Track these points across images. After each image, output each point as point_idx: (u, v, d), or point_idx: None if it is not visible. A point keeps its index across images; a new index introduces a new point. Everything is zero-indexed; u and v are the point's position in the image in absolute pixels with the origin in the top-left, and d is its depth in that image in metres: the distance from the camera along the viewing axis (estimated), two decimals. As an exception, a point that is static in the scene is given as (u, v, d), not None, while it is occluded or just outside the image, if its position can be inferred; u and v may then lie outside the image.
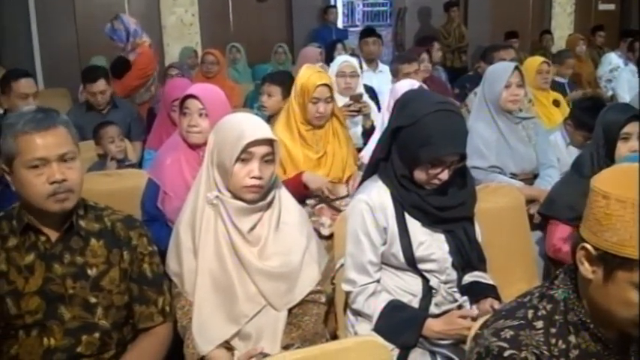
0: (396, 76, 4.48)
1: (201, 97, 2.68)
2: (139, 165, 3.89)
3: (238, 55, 7.50)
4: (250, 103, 5.36)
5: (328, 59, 5.31)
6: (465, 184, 2.23)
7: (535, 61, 4.79)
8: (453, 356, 2.10)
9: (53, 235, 1.89)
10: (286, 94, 3.71)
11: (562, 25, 10.55)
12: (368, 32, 6.10)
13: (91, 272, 1.90)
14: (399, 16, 9.72)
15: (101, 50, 7.54)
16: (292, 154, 3.05)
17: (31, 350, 1.82)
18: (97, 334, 1.88)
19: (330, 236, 2.77)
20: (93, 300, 1.89)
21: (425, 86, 3.75)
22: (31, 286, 1.84)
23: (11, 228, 1.88)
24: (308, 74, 3.14)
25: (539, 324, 1.40)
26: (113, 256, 1.94)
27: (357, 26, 9.44)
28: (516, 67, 3.42)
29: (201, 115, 2.67)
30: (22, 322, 1.82)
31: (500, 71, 3.44)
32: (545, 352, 1.36)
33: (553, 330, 1.39)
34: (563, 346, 1.38)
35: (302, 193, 2.96)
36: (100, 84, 4.44)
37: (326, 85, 3.09)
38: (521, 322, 1.41)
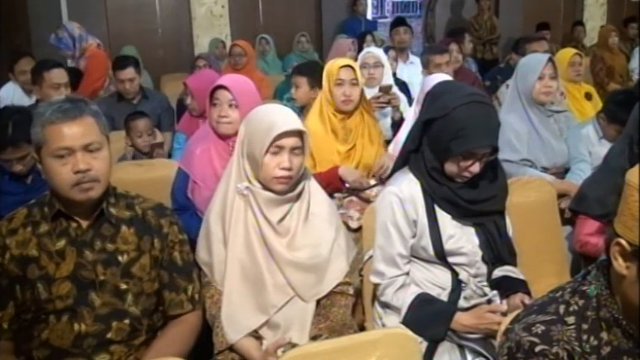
0: (427, 67, 4.45)
1: (231, 88, 2.68)
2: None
3: (267, 46, 7.52)
4: (280, 95, 5.38)
5: (358, 51, 5.30)
6: (496, 178, 2.21)
7: (567, 53, 4.70)
8: (481, 350, 2.08)
9: (84, 222, 1.91)
10: (314, 83, 3.73)
11: (594, 16, 10.38)
12: (399, 22, 6.09)
13: (122, 259, 1.92)
14: (429, 7, 9.66)
15: (132, 41, 7.63)
16: (323, 146, 3.06)
17: (61, 335, 1.85)
18: (127, 321, 1.90)
19: (359, 229, 2.77)
20: (123, 286, 1.91)
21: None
22: (62, 271, 1.86)
23: (43, 214, 1.91)
24: (332, 60, 3.24)
25: (571, 320, 1.38)
26: (144, 243, 1.96)
27: (386, 17, 9.43)
28: (550, 59, 3.38)
29: (231, 105, 2.68)
30: (53, 307, 1.85)
31: (533, 63, 3.41)
32: (577, 349, 1.34)
33: (585, 326, 1.37)
34: (595, 343, 1.36)
35: (336, 186, 2.98)
36: (129, 71, 4.51)
37: (349, 66, 3.13)
38: (553, 317, 1.39)
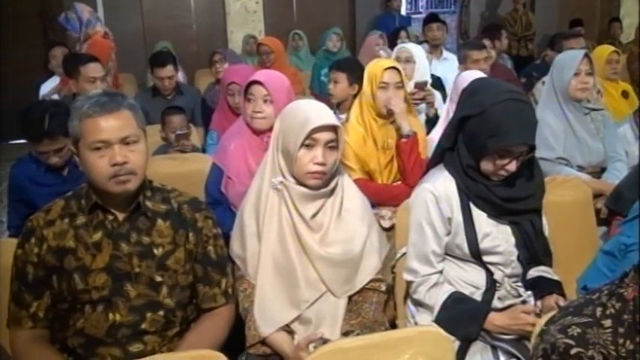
0: (464, 62, 4.39)
1: (266, 84, 2.70)
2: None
3: (301, 42, 7.51)
4: (318, 71, 5.50)
5: (392, 46, 5.29)
6: (533, 176, 2.17)
7: (605, 50, 4.63)
8: (514, 352, 2.06)
9: (120, 215, 1.93)
10: (353, 80, 3.71)
11: (631, 12, 10.11)
12: (432, 18, 6.03)
13: (157, 252, 1.94)
14: (464, 3, 9.59)
15: (166, 36, 7.69)
16: (363, 153, 2.98)
17: (96, 324, 1.88)
18: (161, 312, 1.92)
19: (391, 228, 2.75)
20: (158, 279, 1.93)
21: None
22: (99, 262, 1.89)
23: (80, 207, 1.94)
24: (375, 61, 3.13)
25: (608, 323, 1.36)
26: (179, 236, 1.98)
27: (420, 13, 9.35)
28: (586, 55, 3.34)
29: (265, 101, 2.69)
30: (89, 297, 1.88)
31: (569, 59, 3.37)
32: (613, 353, 1.33)
33: (621, 330, 1.35)
34: (631, 347, 1.34)
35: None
36: (168, 69, 4.57)
37: (394, 68, 3.02)
38: (589, 319, 1.38)
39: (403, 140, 2.94)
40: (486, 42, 5.16)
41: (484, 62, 4.34)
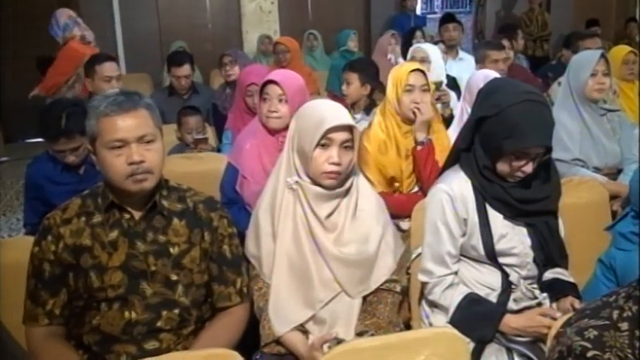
0: (483, 62, 4.36)
1: (281, 83, 2.71)
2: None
3: (315, 42, 7.53)
4: (336, 72, 5.43)
5: (407, 47, 5.28)
6: (549, 177, 2.15)
7: (621, 51, 4.58)
8: (530, 354, 2.04)
9: (137, 214, 1.95)
10: (365, 80, 3.70)
11: (647, 12, 10.08)
12: (448, 18, 6.00)
13: (173, 251, 1.95)
14: (480, 3, 9.55)
15: (182, 36, 7.72)
16: (384, 161, 2.93)
17: (112, 322, 1.89)
18: (176, 311, 1.93)
19: (409, 230, 2.74)
20: (174, 277, 1.94)
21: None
22: (115, 261, 1.90)
23: (96, 205, 1.95)
24: (399, 65, 3.09)
25: (625, 326, 1.35)
26: (194, 236, 1.99)
27: (435, 13, 9.34)
28: (602, 55, 3.31)
29: (280, 100, 2.70)
30: (105, 295, 1.89)
31: (585, 59, 3.35)
32: (630, 356, 1.32)
33: (638, 333, 1.34)
34: (647, 351, 1.33)
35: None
36: (185, 68, 4.60)
37: (420, 71, 2.96)
38: (606, 322, 1.37)
39: (418, 148, 2.87)
40: (506, 43, 5.14)
41: (503, 62, 4.31)
